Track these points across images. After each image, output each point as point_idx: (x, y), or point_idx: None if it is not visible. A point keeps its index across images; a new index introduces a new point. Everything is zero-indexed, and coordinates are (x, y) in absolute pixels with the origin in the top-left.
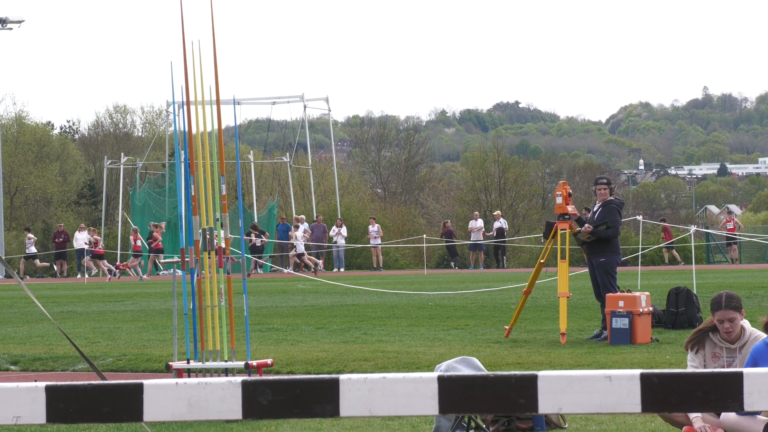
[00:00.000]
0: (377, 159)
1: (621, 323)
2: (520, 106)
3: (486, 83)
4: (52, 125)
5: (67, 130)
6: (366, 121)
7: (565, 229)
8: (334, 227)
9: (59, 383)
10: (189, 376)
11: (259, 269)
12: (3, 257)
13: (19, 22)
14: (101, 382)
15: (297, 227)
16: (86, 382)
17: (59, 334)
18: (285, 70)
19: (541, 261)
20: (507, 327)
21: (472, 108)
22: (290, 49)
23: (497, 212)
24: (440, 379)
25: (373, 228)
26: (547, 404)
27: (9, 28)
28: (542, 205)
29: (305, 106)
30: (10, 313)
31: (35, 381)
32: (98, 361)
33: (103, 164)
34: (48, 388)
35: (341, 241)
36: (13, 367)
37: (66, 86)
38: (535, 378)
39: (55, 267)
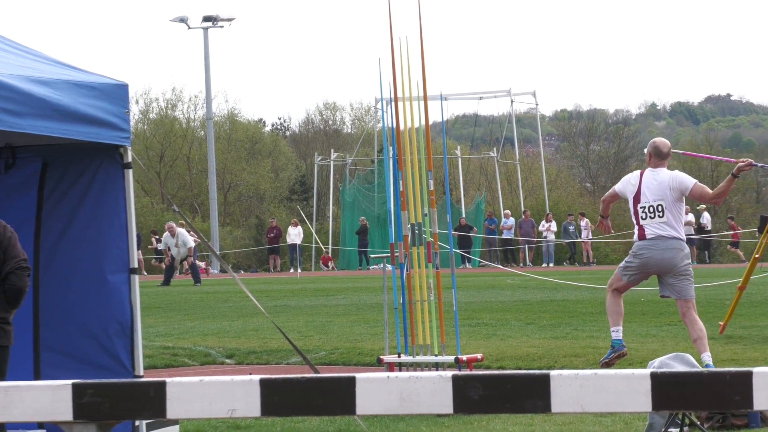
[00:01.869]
0: (585, 153)
1: None
2: (732, 98)
3: (697, 75)
4: (264, 122)
5: (279, 127)
6: (574, 114)
7: None
8: (543, 222)
9: (273, 376)
10: (400, 370)
11: (467, 264)
12: (218, 252)
13: (230, 20)
14: (315, 375)
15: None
16: (300, 376)
17: (273, 328)
18: (492, 65)
19: (756, 256)
20: (721, 323)
21: (683, 101)
22: (497, 43)
23: (701, 205)
24: (653, 375)
25: (582, 223)
26: (762, 401)
27: (220, 26)
28: (756, 198)
29: (512, 101)
30: (225, 307)
31: (250, 374)
32: (311, 355)
33: (313, 160)
34: (263, 382)
35: (551, 236)
36: (228, 361)
37: (277, 84)
38: (750, 374)
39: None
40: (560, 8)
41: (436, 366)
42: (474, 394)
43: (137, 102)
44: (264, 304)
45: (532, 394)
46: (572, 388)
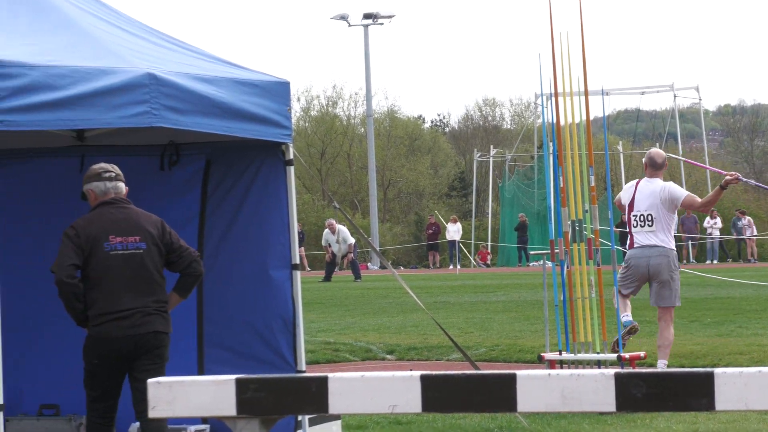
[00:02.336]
0: (750, 149)
1: None
2: None
3: None
4: (423, 119)
5: (438, 123)
6: (738, 109)
7: None
8: (707, 218)
9: (434, 373)
10: (561, 368)
11: None
12: (377, 249)
13: (390, 17)
14: (475, 372)
15: None
16: (460, 372)
17: (433, 324)
18: (654, 60)
19: None
20: None
21: None
22: (659, 38)
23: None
24: None
25: (744, 220)
26: None
27: (380, 23)
28: None
29: (675, 96)
30: (385, 303)
31: (410, 370)
32: (471, 352)
33: (472, 157)
34: (423, 378)
35: (716, 233)
36: (389, 357)
37: (436, 80)
38: None
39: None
40: (724, 1)
41: (598, 363)
42: (637, 392)
43: (299, 99)
44: (423, 300)
45: (695, 392)
46: (736, 386)
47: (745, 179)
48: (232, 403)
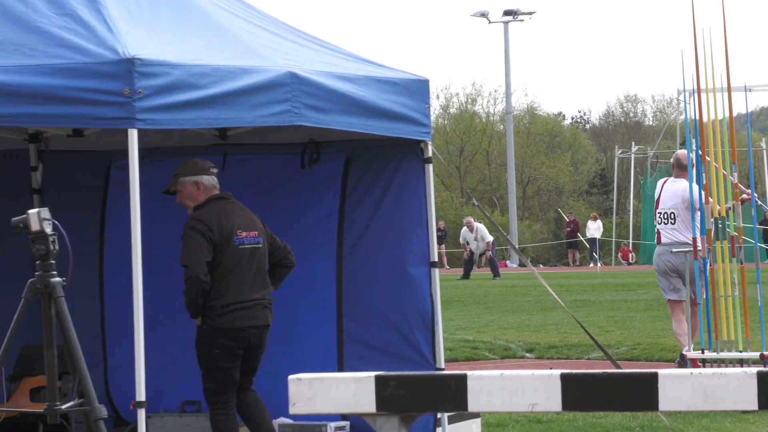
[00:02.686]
0: None
1: None
2: None
3: None
4: (563, 116)
5: (578, 120)
6: None
7: None
8: None
9: (574, 371)
10: (704, 367)
11: None
12: (516, 246)
13: (530, 13)
14: (616, 371)
15: None
16: (601, 371)
17: (573, 323)
18: None
19: None
20: None
21: None
22: None
23: None
24: None
25: None
26: None
27: (520, 20)
28: None
29: None
30: (525, 301)
31: (550, 369)
32: (612, 350)
33: (613, 153)
34: (563, 376)
35: None
36: (528, 355)
37: (577, 76)
38: None
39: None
40: None
41: (741, 362)
42: None
43: (438, 97)
44: (563, 298)
45: None
46: None
47: (759, 202)
48: (371, 400)
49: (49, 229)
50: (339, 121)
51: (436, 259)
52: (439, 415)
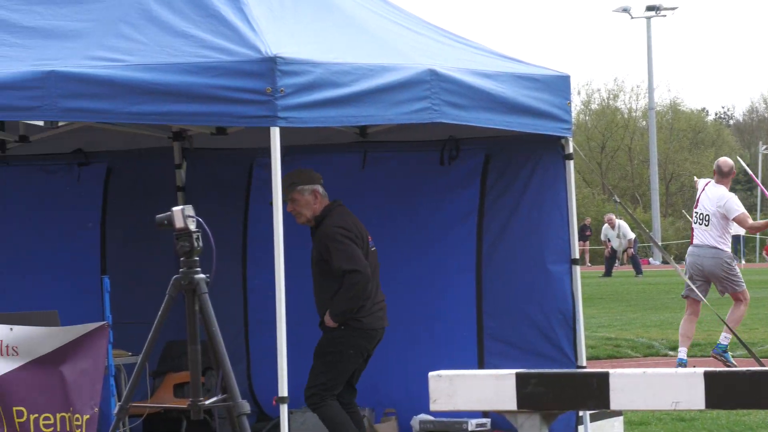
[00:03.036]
0: None
1: None
2: None
3: None
4: (707, 111)
5: (722, 116)
6: None
7: None
8: None
9: (717, 369)
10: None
11: None
12: (659, 243)
13: (673, 8)
14: (760, 369)
15: None
16: (745, 369)
17: (716, 321)
18: None
19: None
20: None
21: None
22: None
23: None
24: None
25: None
26: None
27: (663, 15)
28: None
29: None
30: (668, 299)
31: (694, 367)
32: (756, 348)
33: (757, 149)
34: (707, 374)
35: None
36: (671, 353)
37: (720, 72)
38: None
39: None
40: None
41: None
42: None
43: (579, 93)
44: (706, 295)
45: None
46: None
47: None
48: (512, 397)
49: (193, 227)
50: (479, 118)
51: (577, 257)
52: (581, 413)
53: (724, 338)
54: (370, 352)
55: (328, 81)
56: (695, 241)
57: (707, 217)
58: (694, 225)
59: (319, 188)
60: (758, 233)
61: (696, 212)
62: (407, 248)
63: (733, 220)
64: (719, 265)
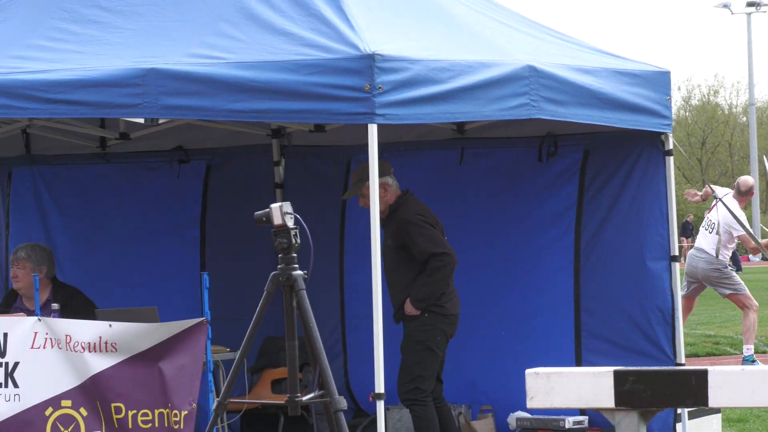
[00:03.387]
0: None
1: None
2: None
3: None
4: None
5: None
6: None
7: None
8: None
9: None
10: None
11: None
12: (759, 240)
13: None
14: None
15: None
16: None
17: None
18: None
19: None
20: None
21: None
22: None
23: None
24: None
25: None
26: None
27: (763, 11)
28: None
29: None
30: None
31: None
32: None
33: None
34: None
35: None
36: None
37: None
38: None
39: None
40: None
41: None
42: None
43: (679, 89)
44: None
45: None
46: None
47: None
48: (610, 394)
49: (291, 223)
50: (578, 114)
51: (677, 253)
52: (679, 411)
53: (747, 350)
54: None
55: (426, 78)
56: (696, 244)
57: (714, 225)
58: (701, 228)
59: (389, 179)
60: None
61: (707, 217)
62: (505, 245)
63: (737, 238)
64: (713, 271)
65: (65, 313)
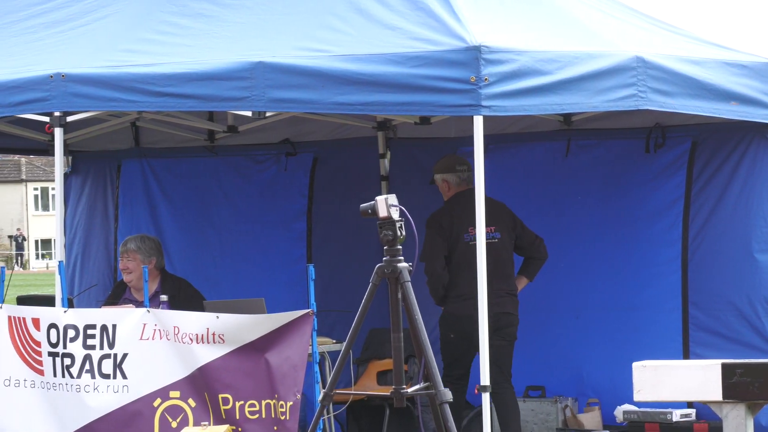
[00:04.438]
0: None
1: None
2: None
3: None
4: None
5: None
6: None
7: None
8: None
9: None
10: None
11: None
12: None
13: None
14: None
15: None
16: None
17: None
18: None
19: None
20: None
21: None
22: None
23: None
24: None
25: None
26: None
27: None
28: None
29: None
30: None
31: None
32: None
33: None
34: None
35: None
36: None
37: None
38: None
39: None
40: None
41: None
42: None
43: None
44: None
45: None
46: None
47: None
48: (717, 387)
49: (396, 215)
50: (686, 105)
51: None
52: None
53: None
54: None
55: (533, 69)
56: None
57: None
58: None
59: (448, 177)
60: None
61: None
62: (612, 237)
63: None
64: None
65: (174, 304)
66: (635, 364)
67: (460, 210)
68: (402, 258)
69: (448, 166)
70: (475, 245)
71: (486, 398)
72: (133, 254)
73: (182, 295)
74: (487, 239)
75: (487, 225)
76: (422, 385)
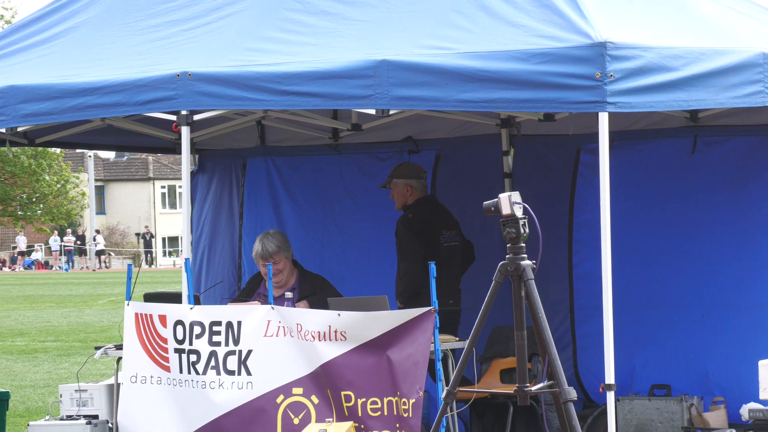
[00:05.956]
0: None
1: None
2: None
3: None
4: None
5: None
6: None
7: None
8: None
9: None
10: None
11: None
12: None
13: None
14: None
15: None
16: None
17: None
18: None
19: None
20: None
21: None
22: None
23: None
24: None
25: None
26: None
27: None
28: None
29: None
30: None
31: None
32: None
33: None
34: None
35: None
36: None
37: None
38: None
39: None
40: None
41: None
42: None
43: None
44: None
45: None
46: None
47: None
48: None
49: (519, 213)
50: None
51: None
52: None
53: None
54: None
55: (659, 65)
56: None
57: None
58: None
59: (414, 182)
60: None
61: None
62: (738, 234)
63: None
64: None
65: (313, 303)
66: (761, 363)
67: (430, 214)
68: (525, 255)
69: (412, 172)
70: (450, 246)
71: (611, 397)
72: (278, 256)
73: (320, 293)
74: (451, 242)
75: (448, 230)
76: (546, 383)
